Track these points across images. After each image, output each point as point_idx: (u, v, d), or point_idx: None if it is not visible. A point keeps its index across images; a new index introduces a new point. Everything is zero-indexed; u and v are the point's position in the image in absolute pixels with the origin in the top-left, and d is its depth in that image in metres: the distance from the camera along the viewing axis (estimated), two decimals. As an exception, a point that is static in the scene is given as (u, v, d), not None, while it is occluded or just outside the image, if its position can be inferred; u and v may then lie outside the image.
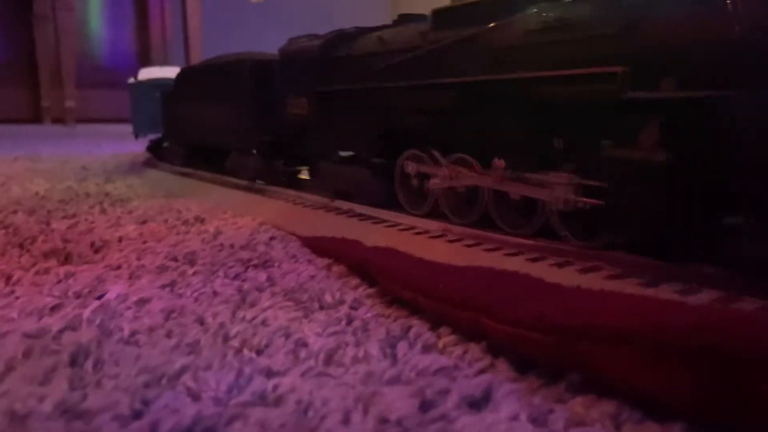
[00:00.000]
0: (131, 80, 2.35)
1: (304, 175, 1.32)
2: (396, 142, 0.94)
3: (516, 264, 0.63)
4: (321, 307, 0.57)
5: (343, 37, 1.09)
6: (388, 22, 1.09)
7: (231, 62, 1.45)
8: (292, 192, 1.18)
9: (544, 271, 0.59)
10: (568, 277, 0.57)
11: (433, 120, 0.86)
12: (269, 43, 1.51)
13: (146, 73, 2.34)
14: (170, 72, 2.21)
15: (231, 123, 1.43)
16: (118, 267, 0.70)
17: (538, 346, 0.41)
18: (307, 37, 1.18)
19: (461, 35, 0.80)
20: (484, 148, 0.79)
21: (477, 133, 0.80)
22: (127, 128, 2.49)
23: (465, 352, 0.45)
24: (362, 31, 1.08)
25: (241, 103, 1.38)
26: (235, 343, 0.48)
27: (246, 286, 0.62)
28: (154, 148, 2.20)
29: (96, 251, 0.79)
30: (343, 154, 1.11)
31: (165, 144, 2.03)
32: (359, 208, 0.98)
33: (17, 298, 0.59)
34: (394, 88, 0.90)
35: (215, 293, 0.60)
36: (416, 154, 0.90)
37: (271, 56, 1.33)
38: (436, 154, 0.86)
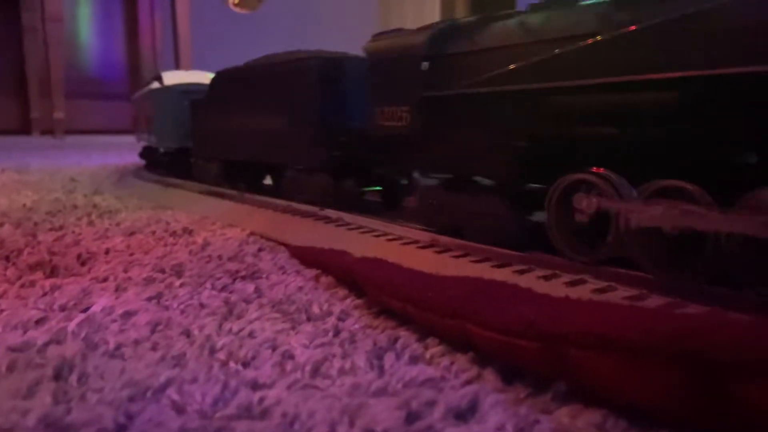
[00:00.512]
0: (155, 85, 2.06)
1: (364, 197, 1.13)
2: (546, 163, 0.69)
3: (503, 275, 0.63)
4: (308, 319, 0.57)
5: (457, 28, 0.85)
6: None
7: (289, 62, 1.20)
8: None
9: (532, 282, 0.59)
10: (555, 289, 0.58)
11: (623, 131, 0.62)
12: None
13: (173, 78, 2.03)
14: (197, 77, 1.96)
15: (289, 135, 1.19)
16: (105, 279, 0.70)
17: (526, 353, 0.41)
18: (399, 33, 0.96)
19: (675, 14, 0.57)
20: (726, 173, 0.55)
21: (715, 151, 0.56)
22: (117, 139, 2.47)
23: (452, 363, 0.45)
24: (483, 21, 0.83)
25: (303, 111, 1.14)
26: (222, 355, 0.47)
27: (233, 297, 0.62)
28: (147, 155, 2.15)
29: (82, 263, 0.79)
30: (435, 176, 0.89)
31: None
32: (348, 217, 0.98)
33: (2, 311, 0.59)
34: (551, 90, 0.67)
35: (202, 305, 0.60)
36: (588, 180, 0.63)
37: (340, 55, 1.13)
38: (616, 179, 0.61)
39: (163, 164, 1.97)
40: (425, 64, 0.85)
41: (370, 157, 1.02)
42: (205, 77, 1.79)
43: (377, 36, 1.00)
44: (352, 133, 1.05)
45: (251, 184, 1.42)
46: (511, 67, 0.72)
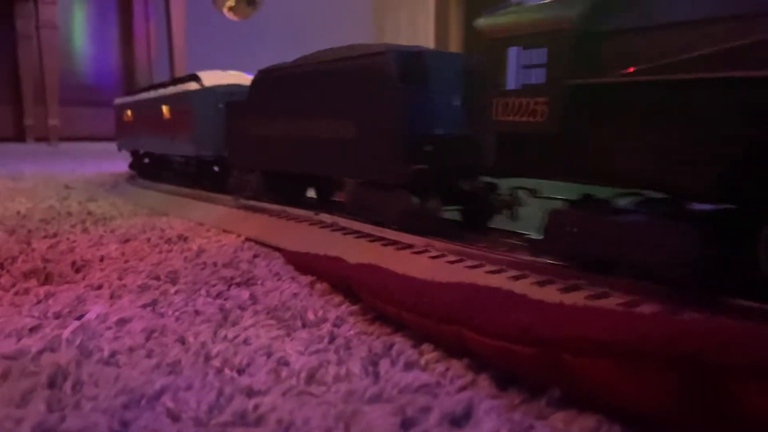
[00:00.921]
0: (195, 87, 1.84)
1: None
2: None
3: (498, 281, 0.63)
4: (303, 325, 0.57)
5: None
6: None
7: (359, 57, 1.00)
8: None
9: (526, 288, 0.59)
10: (550, 295, 0.58)
11: None
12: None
13: (214, 78, 1.81)
14: (237, 77, 1.74)
15: (358, 144, 0.99)
16: (99, 287, 0.70)
17: (521, 358, 0.41)
18: (528, 5, 0.75)
19: None
20: None
21: None
22: (112, 146, 2.44)
23: (447, 369, 0.45)
24: None
25: (379, 115, 0.94)
26: (217, 362, 0.47)
27: (228, 304, 0.62)
28: (136, 165, 2.13)
29: (77, 271, 0.78)
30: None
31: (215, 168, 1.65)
32: (343, 221, 0.97)
33: (-4, 319, 0.58)
34: None
35: (197, 312, 0.60)
36: None
37: (418, 48, 0.96)
38: None
39: (191, 175, 1.78)
40: (577, 44, 0.65)
41: (464, 167, 0.85)
42: (245, 78, 1.63)
43: (495, 9, 0.78)
44: (438, 142, 0.89)
45: (293, 198, 1.25)
46: (729, 46, 0.52)
